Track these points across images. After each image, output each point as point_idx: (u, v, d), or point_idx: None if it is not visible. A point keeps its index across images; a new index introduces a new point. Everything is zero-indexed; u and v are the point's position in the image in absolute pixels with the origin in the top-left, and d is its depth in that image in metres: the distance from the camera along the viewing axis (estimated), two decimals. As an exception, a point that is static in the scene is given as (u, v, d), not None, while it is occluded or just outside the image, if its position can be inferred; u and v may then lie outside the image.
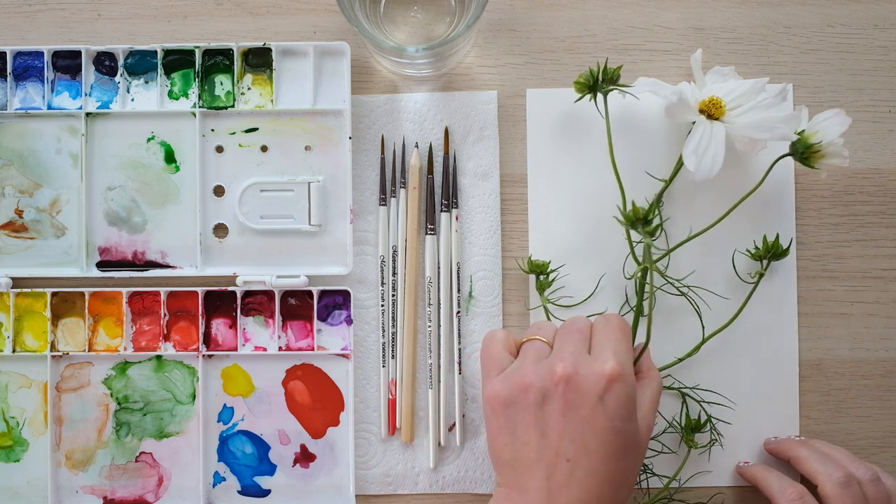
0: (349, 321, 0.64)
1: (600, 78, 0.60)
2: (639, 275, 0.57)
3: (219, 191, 0.65)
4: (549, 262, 0.63)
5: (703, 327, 0.62)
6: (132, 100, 0.65)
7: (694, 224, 0.64)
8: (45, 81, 0.64)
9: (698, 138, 0.57)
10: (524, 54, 0.65)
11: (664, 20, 0.65)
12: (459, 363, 0.64)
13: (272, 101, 0.64)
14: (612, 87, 0.60)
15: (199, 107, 0.64)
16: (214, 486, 0.64)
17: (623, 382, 0.51)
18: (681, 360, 0.63)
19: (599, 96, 0.62)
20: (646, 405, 0.54)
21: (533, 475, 0.51)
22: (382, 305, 0.64)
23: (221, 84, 0.65)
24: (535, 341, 0.55)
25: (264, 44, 0.64)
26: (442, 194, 0.65)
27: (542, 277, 0.63)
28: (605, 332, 0.54)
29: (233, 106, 0.64)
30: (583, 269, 0.64)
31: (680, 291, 0.61)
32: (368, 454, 0.64)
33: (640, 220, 0.56)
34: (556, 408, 0.52)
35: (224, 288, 0.64)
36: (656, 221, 0.57)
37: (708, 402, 0.64)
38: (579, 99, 0.61)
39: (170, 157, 0.65)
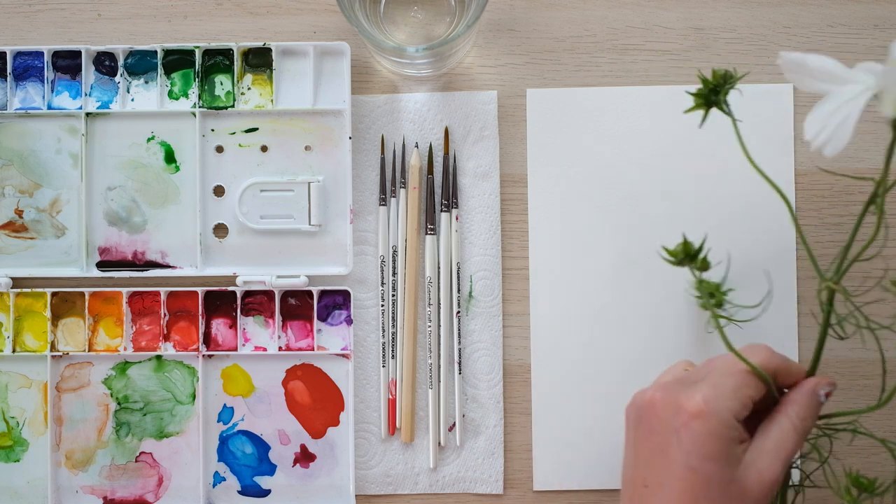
0: (349, 321, 0.64)
1: (718, 86, 0.51)
2: (824, 295, 0.49)
3: (219, 191, 0.65)
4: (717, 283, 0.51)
5: (885, 371, 0.54)
6: (132, 100, 0.65)
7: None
8: (45, 81, 0.64)
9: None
10: (524, 54, 0.65)
11: (664, 20, 0.65)
12: (459, 363, 0.64)
13: (272, 101, 0.64)
14: (729, 87, 0.51)
15: (199, 107, 0.64)
16: (214, 486, 0.64)
17: (704, 420, 0.48)
18: (872, 408, 0.51)
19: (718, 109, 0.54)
20: (768, 450, 0.48)
21: (625, 492, 0.51)
22: (382, 305, 0.64)
23: (221, 84, 0.65)
24: (685, 364, 0.56)
25: (264, 44, 0.64)
26: (442, 194, 0.65)
27: (714, 298, 0.52)
28: (725, 364, 0.50)
29: (233, 106, 0.64)
30: (583, 268, 0.64)
31: (869, 325, 0.52)
32: (368, 454, 0.64)
33: (689, 258, 0.49)
34: (643, 431, 0.51)
35: (224, 288, 0.64)
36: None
37: None
38: (697, 110, 0.52)
39: (170, 157, 0.65)
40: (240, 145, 0.65)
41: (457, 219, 0.65)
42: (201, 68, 0.64)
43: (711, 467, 0.47)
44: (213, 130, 0.65)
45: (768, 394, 0.51)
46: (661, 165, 0.65)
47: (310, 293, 0.64)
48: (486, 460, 0.64)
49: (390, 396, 0.64)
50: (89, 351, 0.64)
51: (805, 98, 0.65)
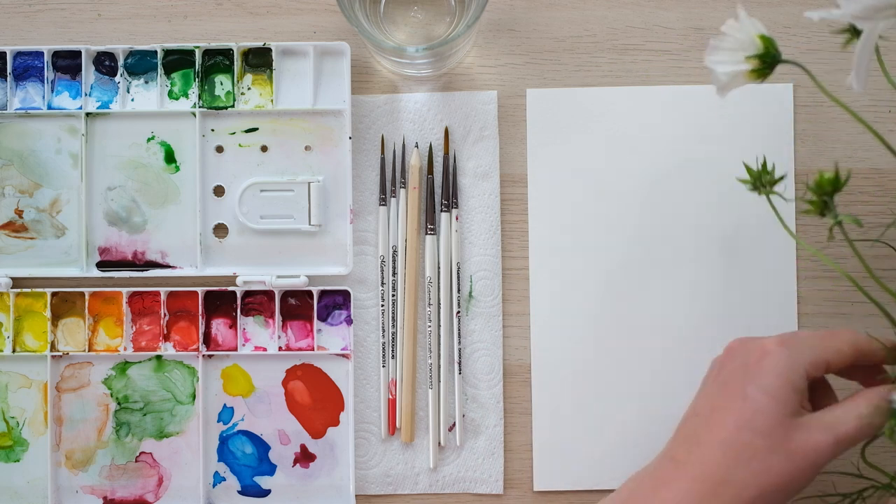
0: (349, 321, 0.64)
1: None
2: None
3: (219, 191, 0.65)
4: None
5: None
6: (132, 100, 0.65)
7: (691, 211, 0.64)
8: (45, 81, 0.64)
9: None
10: (524, 54, 0.65)
11: (664, 20, 0.65)
12: (459, 363, 0.64)
13: (272, 101, 0.64)
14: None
15: (199, 107, 0.64)
16: (214, 486, 0.64)
17: (775, 358, 0.49)
18: None
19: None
20: (825, 422, 0.48)
21: (678, 427, 0.52)
22: (382, 305, 0.64)
23: (221, 84, 0.65)
24: None
25: (264, 44, 0.64)
26: (442, 194, 0.65)
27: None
28: (811, 330, 0.54)
29: (233, 106, 0.64)
30: (583, 268, 0.64)
31: None
32: (368, 454, 0.64)
33: (761, 178, 0.53)
34: (715, 373, 0.52)
35: (224, 288, 0.64)
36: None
37: None
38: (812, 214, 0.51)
39: (170, 157, 0.65)
40: (240, 145, 0.65)
41: (457, 219, 0.65)
42: (201, 68, 0.64)
43: (765, 400, 0.48)
44: (213, 130, 0.65)
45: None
46: (661, 165, 0.65)
47: (310, 293, 0.64)
48: (486, 460, 0.64)
49: (390, 396, 0.64)
50: (89, 351, 0.64)
51: (805, 98, 0.65)
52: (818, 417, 0.49)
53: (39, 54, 0.65)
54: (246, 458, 0.64)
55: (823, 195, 0.49)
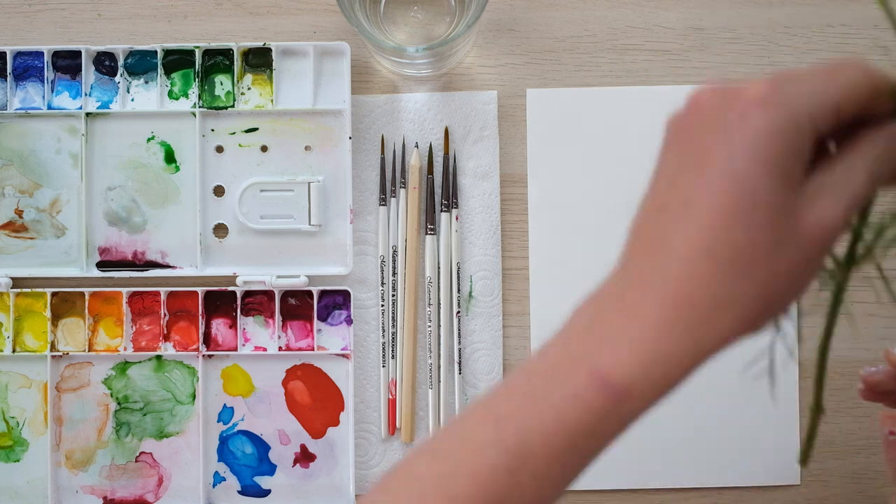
0: (349, 321, 0.64)
1: None
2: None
3: (219, 191, 0.65)
4: None
5: None
6: (132, 100, 0.65)
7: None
8: (45, 81, 0.64)
9: None
10: (524, 54, 0.65)
11: (664, 20, 0.65)
12: (459, 363, 0.64)
13: (272, 101, 0.64)
14: None
15: (199, 107, 0.64)
16: (214, 486, 0.64)
17: (769, 109, 0.33)
18: None
19: None
20: (830, 185, 0.34)
21: (632, 230, 0.39)
22: (382, 305, 0.64)
23: (221, 84, 0.65)
24: None
25: (264, 44, 0.64)
26: (442, 194, 0.65)
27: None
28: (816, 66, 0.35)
29: (233, 106, 0.64)
30: (583, 268, 0.64)
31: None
32: (368, 454, 0.64)
33: None
34: (673, 140, 0.37)
35: (224, 288, 0.64)
36: None
37: None
38: None
39: (170, 157, 0.65)
40: (240, 145, 0.65)
41: (457, 219, 0.65)
42: (201, 68, 0.64)
43: (763, 179, 0.33)
44: (213, 130, 0.65)
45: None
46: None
47: (310, 293, 0.64)
48: (486, 460, 0.64)
49: (390, 396, 0.64)
50: (89, 351, 0.64)
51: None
52: (819, 181, 0.34)
53: (39, 54, 0.65)
54: (246, 458, 0.64)
55: None
